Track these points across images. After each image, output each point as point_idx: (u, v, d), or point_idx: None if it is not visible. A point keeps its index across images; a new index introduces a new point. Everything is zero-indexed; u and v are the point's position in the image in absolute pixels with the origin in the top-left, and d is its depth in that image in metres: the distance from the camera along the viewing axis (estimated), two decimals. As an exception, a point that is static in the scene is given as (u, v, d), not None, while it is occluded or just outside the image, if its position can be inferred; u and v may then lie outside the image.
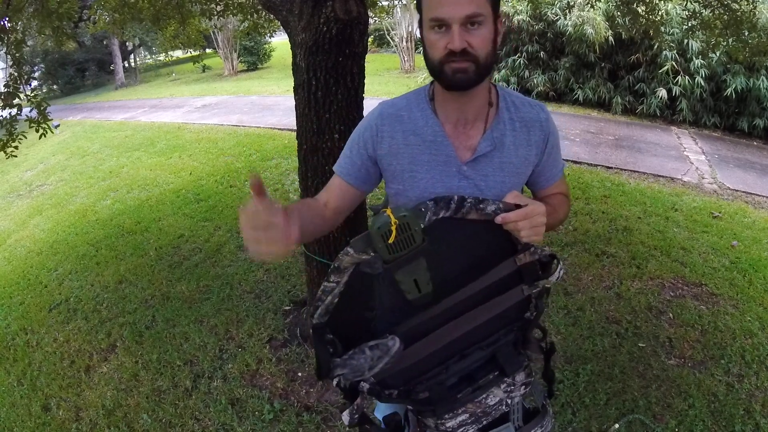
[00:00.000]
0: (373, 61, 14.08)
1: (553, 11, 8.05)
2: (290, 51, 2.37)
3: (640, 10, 4.08)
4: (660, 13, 4.23)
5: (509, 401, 1.07)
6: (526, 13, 8.20)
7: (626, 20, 4.49)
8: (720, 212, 4.32)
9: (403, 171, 1.08)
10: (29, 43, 12.12)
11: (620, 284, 3.20)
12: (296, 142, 2.51)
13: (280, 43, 17.39)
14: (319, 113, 2.30)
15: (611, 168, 5.49)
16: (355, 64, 2.26)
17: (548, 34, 8.27)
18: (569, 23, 7.66)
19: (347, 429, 2.19)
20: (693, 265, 3.40)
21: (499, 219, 0.91)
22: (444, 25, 0.93)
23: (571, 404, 2.27)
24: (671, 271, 3.35)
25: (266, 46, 17.57)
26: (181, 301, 3.35)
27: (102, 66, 21.30)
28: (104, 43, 20.09)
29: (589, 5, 6.83)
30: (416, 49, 13.63)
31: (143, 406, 2.49)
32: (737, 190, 4.96)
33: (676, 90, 7.07)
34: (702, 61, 6.83)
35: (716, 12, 3.56)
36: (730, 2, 3.39)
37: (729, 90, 6.67)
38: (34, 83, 18.28)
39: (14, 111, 3.13)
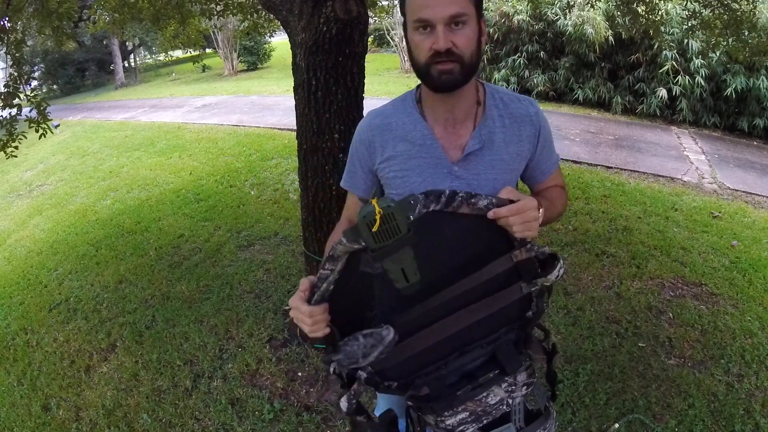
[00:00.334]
0: (373, 61, 14.07)
1: (553, 11, 8.05)
2: (290, 51, 2.37)
3: (640, 10, 4.08)
4: (660, 12, 4.24)
5: (510, 401, 1.07)
6: (526, 12, 8.20)
7: (626, 20, 4.49)
8: (720, 212, 4.32)
9: (395, 177, 1.10)
10: (29, 42, 12.13)
11: (620, 284, 3.20)
12: (296, 141, 2.51)
13: (280, 42, 17.39)
14: (319, 113, 2.30)
15: (611, 168, 5.49)
16: (355, 63, 2.26)
17: (548, 34, 8.27)
18: (569, 23, 7.66)
19: (347, 429, 2.20)
20: (693, 265, 3.40)
21: (491, 214, 0.91)
22: (428, 25, 0.94)
23: (571, 404, 2.27)
24: (671, 270, 3.35)
25: (266, 45, 17.57)
26: (181, 301, 3.35)
27: (102, 66, 21.30)
28: (104, 42, 20.09)
29: (589, 5, 6.82)
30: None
31: (143, 405, 2.49)
32: (737, 190, 4.96)
33: (676, 90, 7.07)
34: (702, 61, 6.83)
35: (716, 12, 3.56)
36: (730, 2, 3.39)
37: (729, 90, 6.67)
38: (34, 83, 18.27)
39: (14, 111, 3.13)
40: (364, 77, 2.39)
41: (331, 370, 0.99)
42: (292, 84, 2.40)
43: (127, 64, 21.45)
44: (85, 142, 8.89)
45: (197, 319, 3.13)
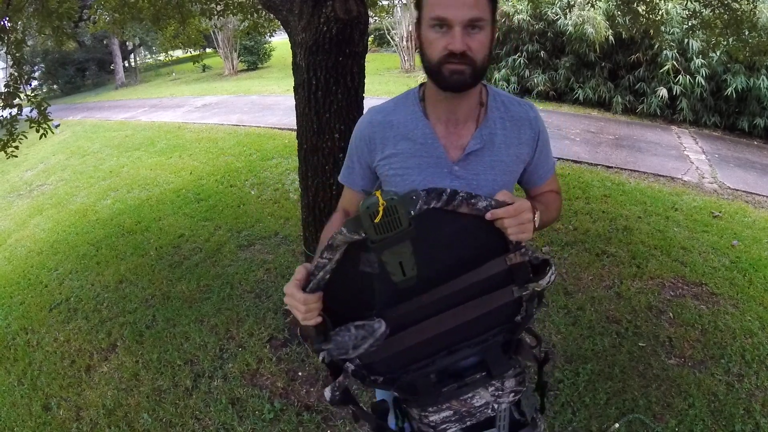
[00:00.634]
0: (373, 61, 14.07)
1: (554, 11, 8.05)
2: (290, 50, 2.37)
3: (640, 10, 4.08)
4: (660, 12, 4.23)
5: (496, 406, 1.07)
6: (527, 12, 8.20)
7: (626, 20, 4.49)
8: (720, 212, 4.32)
9: (395, 175, 1.10)
10: (29, 42, 12.12)
11: (620, 284, 3.20)
12: (296, 141, 2.51)
13: (280, 42, 17.39)
14: (320, 113, 2.30)
15: (611, 167, 5.49)
16: (355, 63, 2.26)
17: (548, 34, 8.26)
18: (569, 23, 7.66)
19: (347, 428, 2.20)
20: (693, 265, 3.40)
21: (488, 215, 0.91)
22: (445, 25, 0.94)
23: (571, 404, 2.27)
24: (671, 270, 3.35)
25: (266, 45, 17.57)
26: (181, 301, 3.35)
27: (102, 66, 21.30)
28: (104, 42, 20.08)
29: (590, 5, 6.81)
30: (416, 48, 13.61)
31: (144, 405, 2.49)
32: (737, 190, 4.96)
33: (676, 89, 7.07)
34: (702, 61, 6.83)
35: (716, 11, 3.56)
36: (730, 2, 3.39)
37: (729, 89, 6.67)
38: (35, 83, 18.28)
39: (14, 111, 3.13)
40: (364, 77, 2.39)
41: (320, 358, 0.99)
42: (293, 84, 2.40)
43: (127, 64, 21.45)
44: (86, 142, 8.89)
45: (198, 319, 3.13)
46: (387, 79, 11.84)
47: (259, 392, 2.47)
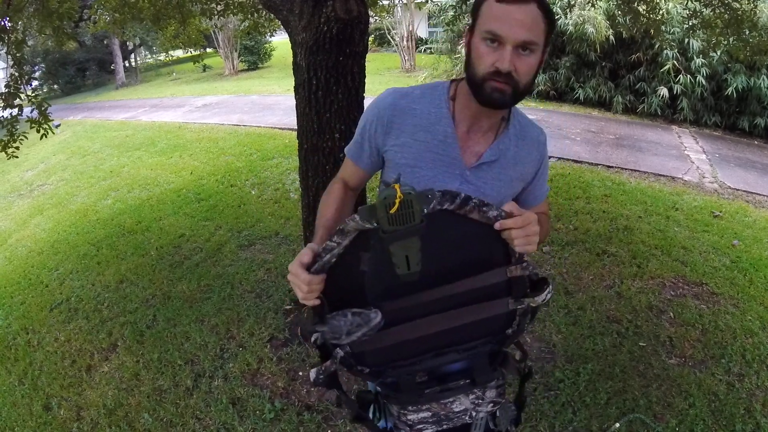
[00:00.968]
0: (373, 61, 14.07)
1: (554, 10, 8.03)
2: (291, 50, 2.37)
3: (641, 9, 4.08)
4: (661, 12, 4.24)
5: (474, 414, 1.08)
6: (527, 12, 8.19)
7: (627, 19, 4.49)
8: (721, 211, 4.32)
9: (406, 164, 1.09)
10: (30, 42, 12.12)
11: (621, 283, 3.20)
12: (297, 141, 2.51)
13: (280, 42, 17.38)
14: (320, 113, 2.30)
15: (612, 167, 5.49)
16: (355, 63, 2.26)
17: (549, 33, 8.25)
18: (570, 22, 7.65)
19: (347, 428, 2.20)
20: (694, 265, 3.40)
21: (497, 225, 0.92)
22: (497, 41, 0.94)
23: (572, 403, 2.27)
24: (672, 270, 3.35)
25: (267, 45, 17.58)
26: (182, 301, 3.35)
27: (102, 65, 21.31)
28: (105, 42, 20.09)
29: (590, 4, 6.82)
30: (417, 48, 13.62)
31: (144, 405, 2.49)
32: (738, 190, 4.96)
33: (676, 89, 7.07)
34: (703, 60, 6.83)
35: (717, 11, 3.56)
36: (730, 1, 3.39)
37: (730, 89, 6.67)
38: (35, 83, 18.29)
39: (15, 111, 3.13)
40: (364, 77, 2.39)
41: (313, 339, 1.00)
42: (293, 83, 2.40)
43: (127, 64, 21.46)
44: (86, 142, 8.89)
45: (198, 319, 3.13)
46: (388, 79, 11.84)
47: (259, 392, 2.47)
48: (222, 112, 9.66)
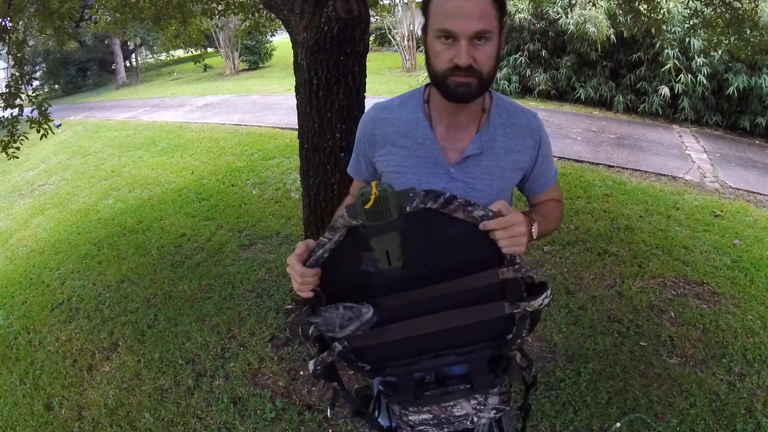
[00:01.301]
0: (374, 60, 14.07)
1: (555, 10, 8.04)
2: (292, 50, 2.37)
3: (642, 9, 4.08)
4: (662, 11, 4.23)
5: (476, 419, 1.08)
6: (528, 11, 8.19)
7: (628, 19, 4.49)
8: (722, 211, 4.31)
9: (392, 171, 1.11)
10: (30, 42, 12.14)
11: (622, 283, 3.20)
12: (298, 141, 2.51)
13: (281, 42, 17.38)
14: (321, 112, 2.30)
15: (613, 167, 5.48)
16: (356, 63, 2.26)
17: (550, 33, 8.26)
18: (571, 22, 7.65)
19: (348, 427, 2.20)
20: (695, 264, 3.40)
21: (481, 225, 0.92)
22: (452, 37, 0.94)
23: (573, 403, 2.27)
24: (673, 269, 3.34)
25: (267, 45, 17.58)
26: (183, 300, 3.36)
27: (103, 65, 21.33)
28: (105, 42, 20.11)
29: (591, 4, 6.82)
30: (418, 47, 13.60)
31: (145, 404, 2.50)
32: (739, 189, 4.95)
33: (678, 88, 7.06)
34: (704, 60, 6.82)
35: (718, 10, 3.55)
36: (731, 1, 3.39)
37: (731, 88, 6.66)
38: (36, 83, 18.31)
39: (16, 111, 3.14)
40: (365, 76, 2.39)
41: (309, 331, 1.02)
42: (294, 83, 2.40)
43: (128, 64, 21.47)
44: (87, 142, 8.90)
45: (199, 318, 3.13)
46: (388, 79, 11.84)
47: (260, 391, 2.47)
48: (223, 112, 9.66)
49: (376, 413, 1.18)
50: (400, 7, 13.39)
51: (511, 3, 8.38)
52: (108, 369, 2.83)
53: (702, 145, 6.42)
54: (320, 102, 2.28)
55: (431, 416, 1.07)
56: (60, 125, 10.14)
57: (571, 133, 6.68)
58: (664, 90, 7.16)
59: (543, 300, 0.97)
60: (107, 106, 13.11)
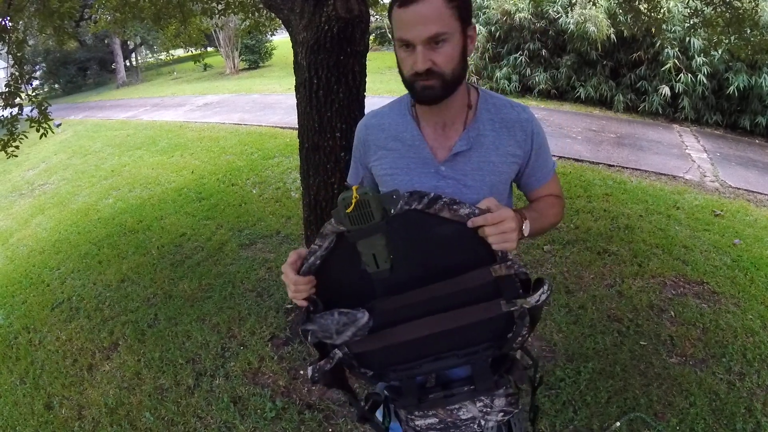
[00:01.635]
0: (374, 60, 14.03)
1: (555, 9, 8.04)
2: (292, 49, 2.37)
3: (642, 8, 4.08)
4: (662, 10, 4.23)
5: (483, 422, 1.07)
6: (528, 10, 8.19)
7: (628, 18, 4.49)
8: (722, 210, 4.31)
9: (385, 174, 1.13)
10: (30, 42, 12.14)
11: (622, 282, 3.20)
12: (298, 140, 2.51)
13: (281, 41, 17.38)
14: (321, 112, 2.30)
15: (613, 166, 5.48)
16: (356, 62, 2.26)
17: (550, 32, 8.25)
18: (571, 21, 7.65)
19: (348, 426, 2.21)
20: (694, 264, 3.40)
21: (468, 223, 0.92)
22: (410, 45, 0.96)
23: (573, 402, 2.27)
24: (673, 269, 3.34)
25: (268, 44, 17.57)
26: (183, 300, 3.36)
27: (103, 65, 21.34)
28: (105, 42, 20.11)
29: (591, 3, 6.82)
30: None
31: (145, 404, 2.50)
32: (739, 188, 4.95)
33: (678, 88, 7.06)
34: (704, 59, 6.82)
35: (718, 10, 3.55)
36: (731, 0, 3.39)
37: (731, 88, 6.66)
38: (36, 82, 18.32)
39: (15, 110, 3.14)
40: (365, 76, 2.39)
41: (308, 339, 1.03)
42: (294, 82, 2.40)
43: (128, 63, 21.48)
44: (87, 141, 8.90)
45: (199, 318, 3.14)
46: (389, 78, 11.82)
47: (260, 391, 2.47)
48: (223, 111, 9.66)
49: (388, 420, 1.17)
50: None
51: (512, 2, 8.38)
52: (108, 368, 2.83)
53: (702, 144, 6.42)
54: (320, 101, 2.28)
55: (437, 420, 1.06)
56: (60, 125, 10.14)
57: (571, 133, 6.68)
58: (665, 89, 7.16)
59: (540, 296, 0.96)
60: (107, 106, 13.11)
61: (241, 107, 9.80)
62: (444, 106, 1.05)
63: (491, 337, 1.05)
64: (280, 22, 2.63)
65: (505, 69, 8.56)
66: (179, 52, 18.13)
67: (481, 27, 8.71)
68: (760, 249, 3.60)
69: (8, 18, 3.12)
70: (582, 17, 7.43)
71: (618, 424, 2.14)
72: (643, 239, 3.73)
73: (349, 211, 0.91)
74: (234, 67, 17.06)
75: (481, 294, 0.98)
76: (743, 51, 3.90)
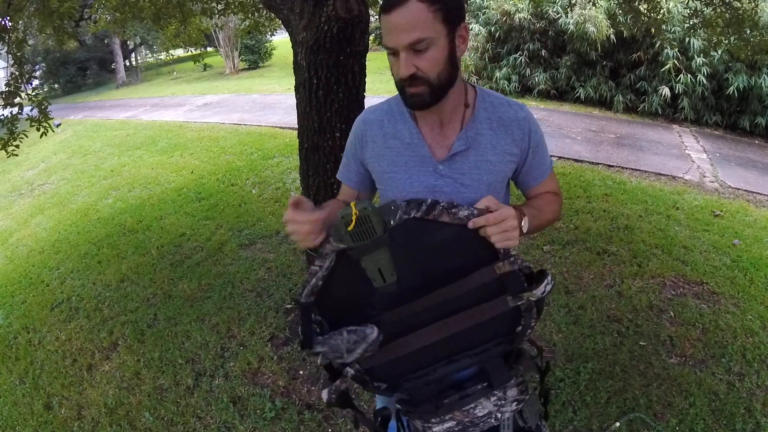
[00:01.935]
0: (374, 60, 13.98)
1: (555, 9, 8.04)
2: (291, 49, 2.37)
3: (641, 9, 4.08)
4: (662, 11, 4.24)
5: (499, 415, 1.07)
6: (528, 11, 8.19)
7: (628, 18, 4.49)
8: (721, 211, 4.31)
9: (383, 173, 1.13)
10: (30, 42, 12.13)
11: (621, 283, 3.20)
12: (297, 140, 2.51)
13: (281, 41, 17.38)
14: (321, 112, 2.30)
15: (612, 166, 5.48)
16: (356, 62, 2.26)
17: (549, 32, 8.25)
18: (571, 21, 7.65)
19: (348, 426, 2.21)
20: (694, 264, 3.40)
21: (470, 224, 0.92)
22: (395, 52, 0.98)
23: (572, 402, 2.27)
24: (672, 269, 3.34)
25: (267, 44, 17.57)
26: (182, 300, 3.36)
27: (103, 65, 21.33)
28: (105, 41, 20.11)
29: (591, 3, 6.83)
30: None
31: (145, 404, 2.50)
32: (738, 189, 4.96)
33: (677, 88, 7.06)
34: (703, 60, 6.82)
35: (718, 10, 3.56)
36: (731, 0, 3.39)
37: (731, 88, 6.66)
38: (35, 82, 18.31)
39: (15, 110, 3.14)
40: (365, 76, 2.39)
41: (319, 361, 1.02)
42: (294, 83, 2.40)
43: (128, 63, 21.48)
44: (87, 141, 8.89)
45: (199, 318, 3.13)
46: (388, 78, 11.71)
47: (260, 391, 2.47)
48: (223, 111, 9.66)
49: None
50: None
51: (511, 2, 8.39)
52: (108, 368, 2.83)
53: (702, 144, 6.42)
54: (320, 101, 2.28)
55: (455, 423, 1.05)
56: (60, 124, 10.14)
57: (571, 133, 6.68)
58: (664, 90, 7.16)
59: (545, 287, 0.97)
60: (107, 106, 13.11)
61: (241, 107, 9.79)
62: (440, 106, 1.06)
63: (501, 333, 1.06)
64: (280, 22, 2.63)
65: (504, 69, 8.56)
66: (179, 52, 18.13)
67: (480, 27, 8.71)
68: (760, 249, 3.61)
69: (8, 18, 3.12)
70: (582, 18, 7.43)
71: (617, 424, 2.14)
72: (642, 239, 3.74)
73: (350, 228, 0.89)
74: (234, 67, 17.06)
75: (486, 293, 0.99)
76: (743, 51, 3.90)
